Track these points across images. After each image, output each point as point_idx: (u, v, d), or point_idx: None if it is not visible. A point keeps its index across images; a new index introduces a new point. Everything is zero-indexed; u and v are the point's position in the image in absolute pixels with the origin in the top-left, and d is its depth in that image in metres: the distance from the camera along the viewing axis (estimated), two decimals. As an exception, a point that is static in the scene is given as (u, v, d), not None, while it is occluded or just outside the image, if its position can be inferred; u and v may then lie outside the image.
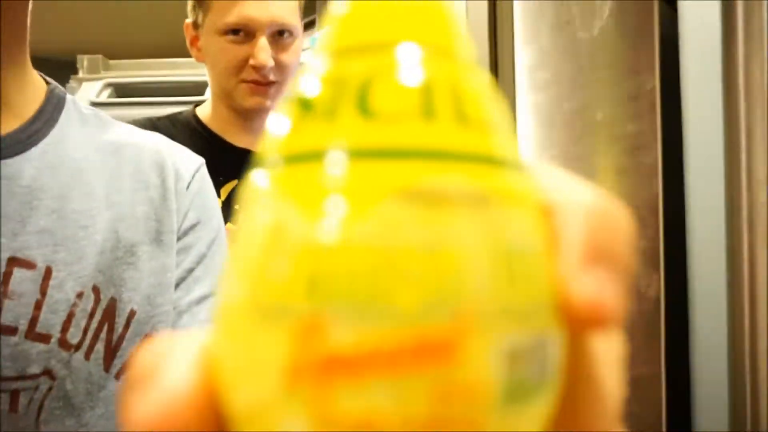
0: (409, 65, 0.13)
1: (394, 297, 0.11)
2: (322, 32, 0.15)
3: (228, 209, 0.94)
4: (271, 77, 0.99)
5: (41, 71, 0.58)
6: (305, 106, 0.14)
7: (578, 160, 0.62)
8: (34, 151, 0.50)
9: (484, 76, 0.15)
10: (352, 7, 0.14)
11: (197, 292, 0.56)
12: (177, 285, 0.55)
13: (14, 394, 0.44)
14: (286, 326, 0.12)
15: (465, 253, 0.12)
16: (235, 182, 0.98)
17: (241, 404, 0.12)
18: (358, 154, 0.12)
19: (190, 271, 0.56)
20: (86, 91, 1.82)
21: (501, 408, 0.12)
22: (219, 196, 0.94)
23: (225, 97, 1.02)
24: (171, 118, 1.05)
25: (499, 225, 0.13)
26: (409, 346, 0.11)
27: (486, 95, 0.14)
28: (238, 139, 1.03)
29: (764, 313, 0.60)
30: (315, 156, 0.13)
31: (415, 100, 0.13)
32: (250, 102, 1.00)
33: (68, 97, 0.57)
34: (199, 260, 0.57)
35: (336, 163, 0.12)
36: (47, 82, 0.56)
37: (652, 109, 0.61)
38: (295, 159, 0.13)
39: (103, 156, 0.54)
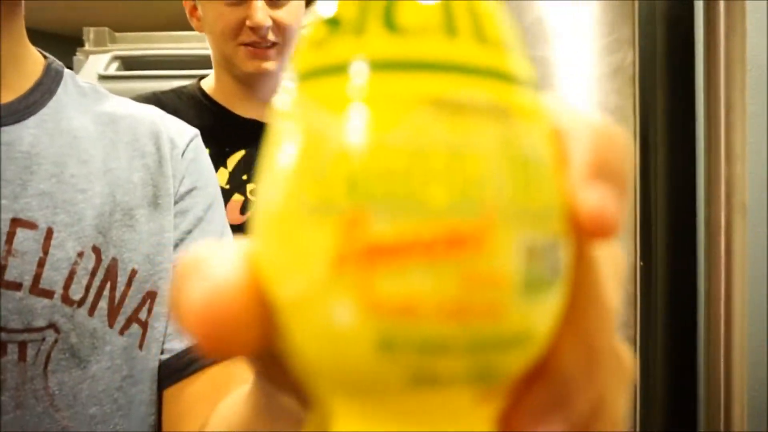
0: None
1: (427, 194, 0.13)
2: None
3: (235, 179, 0.97)
4: (270, 38, 0.97)
5: (48, 45, 0.60)
6: (333, 22, 0.15)
7: None
8: (33, 120, 0.52)
9: (497, 2, 0.16)
10: None
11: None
12: (176, 246, 0.57)
13: (22, 345, 0.47)
14: (331, 221, 0.13)
15: (488, 157, 0.13)
16: (242, 152, 0.99)
17: (289, 294, 0.13)
18: (388, 66, 0.14)
19: (188, 232, 0.58)
20: (93, 64, 1.83)
21: (520, 297, 0.13)
22: (226, 166, 0.96)
23: (226, 64, 1.01)
24: (176, 92, 1.05)
25: (517, 135, 0.14)
26: (440, 236, 0.13)
27: (500, 16, 0.15)
28: (243, 110, 1.03)
29: (741, 282, 0.62)
30: (347, 68, 0.14)
31: (437, 18, 0.14)
32: (251, 66, 0.98)
33: (66, 71, 0.60)
34: (197, 223, 0.59)
35: (368, 75, 0.14)
36: (45, 57, 0.59)
37: (630, 83, 0.63)
38: (327, 71, 0.14)
39: (101, 126, 0.57)
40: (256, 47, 0.97)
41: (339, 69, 0.14)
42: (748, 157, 0.60)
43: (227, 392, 0.53)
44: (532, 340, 0.14)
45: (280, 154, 0.14)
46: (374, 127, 0.13)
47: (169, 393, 0.55)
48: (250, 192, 0.97)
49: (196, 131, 0.64)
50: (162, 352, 0.55)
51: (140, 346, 0.53)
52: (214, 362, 0.55)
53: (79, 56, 1.97)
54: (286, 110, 0.15)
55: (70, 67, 0.63)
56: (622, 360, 0.16)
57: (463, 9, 0.14)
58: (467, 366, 0.13)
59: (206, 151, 0.65)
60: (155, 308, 0.54)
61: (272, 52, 0.98)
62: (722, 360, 0.67)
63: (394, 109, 0.13)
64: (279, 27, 0.97)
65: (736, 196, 0.60)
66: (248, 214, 0.96)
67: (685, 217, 0.73)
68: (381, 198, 0.13)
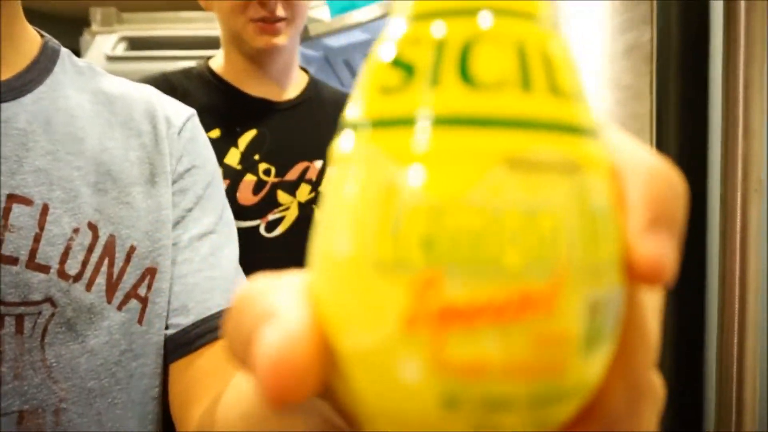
0: (505, 32, 0.14)
1: (502, 256, 0.13)
2: None
3: (247, 159, 0.97)
4: (279, 12, 0.96)
5: (54, 26, 0.61)
6: (406, 69, 0.14)
7: None
8: (29, 97, 0.53)
9: (564, 40, 0.15)
10: None
11: (196, 229, 0.59)
12: (177, 223, 0.58)
13: (19, 318, 0.48)
14: (404, 279, 0.13)
15: (560, 216, 0.13)
16: (253, 132, 0.98)
17: (357, 346, 0.14)
18: (464, 122, 0.14)
19: (189, 210, 0.59)
20: (100, 45, 1.82)
21: (582, 352, 0.13)
22: (237, 146, 0.96)
23: (236, 42, 1.00)
24: (185, 72, 1.04)
25: (585, 190, 0.14)
26: (513, 299, 0.13)
27: (569, 62, 0.15)
28: (253, 89, 1.02)
29: (756, 259, 0.62)
30: (422, 121, 0.14)
31: (513, 69, 0.14)
32: (260, 42, 0.96)
33: (63, 50, 0.60)
34: (197, 201, 0.59)
35: (443, 130, 0.14)
36: (42, 35, 0.59)
37: (647, 62, 0.62)
38: (401, 122, 0.14)
39: (97, 104, 0.57)
40: (265, 22, 0.95)
41: (413, 121, 0.14)
42: (767, 134, 0.60)
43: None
44: (588, 389, 0.14)
45: (347, 203, 0.14)
46: (449, 185, 0.13)
47: (175, 366, 0.56)
48: (263, 172, 0.97)
49: (192, 111, 0.64)
50: (167, 327, 0.56)
51: (140, 321, 0.54)
52: (221, 336, 0.55)
53: (86, 37, 1.96)
54: (353, 156, 0.15)
55: (78, 48, 0.64)
56: (657, 391, 0.16)
57: (538, 58, 0.14)
58: (527, 418, 0.13)
59: (203, 130, 0.65)
60: (155, 284, 0.55)
61: (281, 26, 0.97)
62: (736, 339, 0.67)
63: (470, 168, 0.13)
64: (288, 1, 0.96)
65: (754, 174, 0.60)
66: (261, 194, 0.96)
67: (697, 197, 0.72)
68: (456, 259, 0.13)
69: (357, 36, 1.66)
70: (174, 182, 0.58)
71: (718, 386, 0.68)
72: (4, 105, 0.51)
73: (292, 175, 0.99)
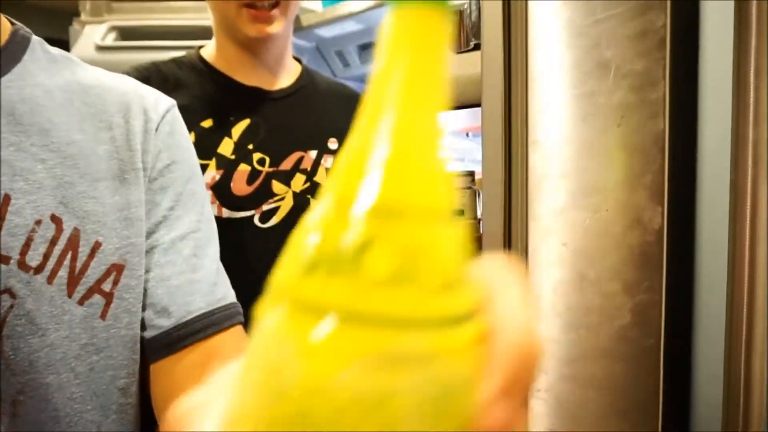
0: (397, 234, 0.17)
1: None
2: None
3: (241, 149, 0.95)
4: None
5: (43, 16, 0.59)
6: (313, 258, 0.18)
7: (586, 98, 0.64)
8: None
9: (461, 230, 0.18)
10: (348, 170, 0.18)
11: (179, 229, 0.58)
12: (159, 223, 0.57)
13: None
14: None
15: (411, 403, 0.16)
16: (247, 121, 0.97)
17: None
18: (348, 315, 0.17)
19: (171, 209, 0.58)
20: (90, 35, 1.79)
21: None
22: (231, 136, 0.95)
23: (228, 30, 0.99)
24: (176, 61, 1.02)
25: (437, 377, 0.17)
26: None
27: (461, 254, 0.18)
28: (246, 78, 1.01)
29: (764, 246, 0.62)
30: (314, 308, 0.17)
31: (402, 267, 0.17)
32: (253, 30, 0.95)
33: (34, 38, 0.59)
34: (177, 199, 0.59)
35: (329, 321, 0.17)
36: (12, 23, 0.58)
37: (661, 47, 0.62)
38: (298, 305, 0.17)
39: (68, 94, 0.56)
40: (258, 9, 0.94)
41: (307, 308, 0.17)
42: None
43: (219, 363, 0.54)
44: None
45: (254, 366, 0.18)
46: (325, 371, 0.16)
47: (156, 367, 0.56)
48: (257, 161, 0.96)
49: (172, 102, 0.63)
50: (148, 328, 0.56)
51: (103, 316, 0.53)
52: (204, 337, 0.56)
53: (75, 27, 1.94)
54: (266, 326, 0.18)
55: (67, 38, 0.62)
56: None
57: (427, 255, 0.17)
58: None
59: (182, 121, 0.64)
60: (123, 280, 0.54)
61: (275, 14, 0.95)
62: (744, 329, 0.67)
63: (342, 359, 0.16)
64: None
65: (763, 160, 0.60)
66: (256, 184, 0.94)
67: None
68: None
69: (349, 26, 1.65)
70: (154, 179, 0.58)
71: (725, 382, 0.69)
72: None
73: (287, 164, 0.98)
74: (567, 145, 0.65)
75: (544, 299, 0.64)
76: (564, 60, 0.68)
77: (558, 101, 0.67)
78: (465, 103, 0.73)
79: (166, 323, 0.56)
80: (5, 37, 0.56)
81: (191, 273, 0.57)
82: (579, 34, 0.63)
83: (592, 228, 0.64)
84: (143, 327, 0.56)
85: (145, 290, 0.56)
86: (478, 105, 0.73)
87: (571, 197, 0.65)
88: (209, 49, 1.05)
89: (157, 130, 0.59)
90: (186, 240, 0.58)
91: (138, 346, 0.56)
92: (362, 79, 1.95)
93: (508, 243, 0.66)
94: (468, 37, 1.05)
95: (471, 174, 0.82)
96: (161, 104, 0.62)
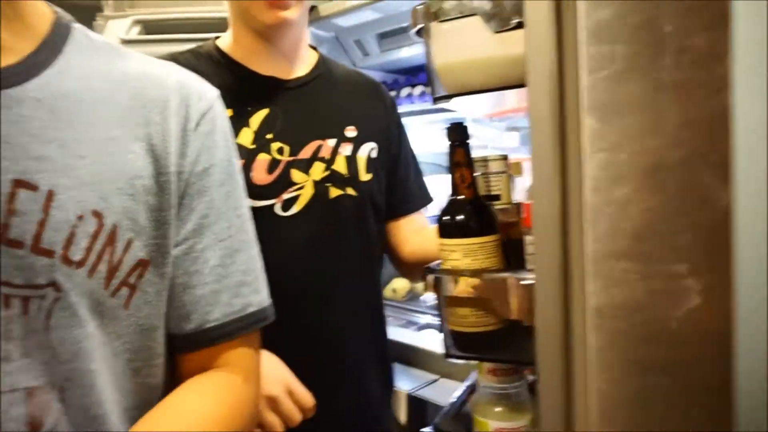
0: None
1: None
2: None
3: (260, 138, 0.97)
4: None
5: (66, 11, 0.59)
6: None
7: (641, 73, 0.62)
8: (36, 81, 0.53)
9: None
10: None
11: (209, 237, 0.60)
12: (191, 231, 0.59)
13: (25, 300, 0.50)
14: None
15: None
16: (265, 111, 0.98)
17: None
18: None
19: (204, 216, 0.60)
20: (114, 29, 1.83)
21: None
22: (249, 126, 0.97)
23: (244, 18, 0.99)
24: (193, 52, 1.03)
25: None
26: None
27: None
28: (263, 67, 1.02)
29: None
30: None
31: None
32: (269, 17, 0.95)
33: (76, 26, 0.59)
34: (211, 205, 0.60)
35: None
36: (55, 12, 0.58)
37: (724, 19, 0.60)
38: None
39: (109, 88, 0.57)
40: None
41: None
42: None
43: (221, 364, 0.62)
44: None
45: None
46: None
47: (188, 357, 0.62)
48: (276, 151, 0.97)
49: (215, 94, 0.64)
50: (170, 325, 0.60)
51: (126, 306, 0.56)
52: (214, 344, 0.61)
53: (99, 21, 1.97)
54: None
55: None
56: None
57: None
58: None
59: (224, 113, 0.64)
60: (147, 275, 0.57)
61: (291, 1, 0.95)
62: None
63: None
64: None
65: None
66: (275, 173, 0.96)
67: None
68: None
69: (368, 15, 1.65)
70: (191, 184, 0.59)
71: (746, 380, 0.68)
72: (9, 91, 0.51)
73: (306, 153, 0.99)
74: (623, 119, 0.64)
75: (607, 281, 0.64)
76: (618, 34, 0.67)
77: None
78: (498, 85, 0.72)
79: (185, 327, 0.60)
80: (47, 27, 0.56)
81: (215, 283, 0.60)
82: (633, 9, 0.62)
83: (655, 208, 0.64)
84: (168, 323, 0.60)
85: (173, 292, 0.59)
86: (507, 87, 0.73)
87: (633, 174, 0.63)
88: (225, 40, 1.05)
89: (196, 129, 0.60)
90: (215, 249, 0.60)
91: (155, 334, 0.59)
92: (382, 68, 1.95)
93: (563, 223, 0.66)
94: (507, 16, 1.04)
95: (504, 158, 0.82)
96: (204, 99, 0.62)
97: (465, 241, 0.75)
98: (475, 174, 0.79)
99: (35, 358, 0.50)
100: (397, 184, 1.13)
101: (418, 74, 1.97)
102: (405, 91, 2.03)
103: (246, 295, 0.62)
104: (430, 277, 0.78)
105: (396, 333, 1.58)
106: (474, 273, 0.74)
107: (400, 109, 1.24)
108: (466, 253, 0.75)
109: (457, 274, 0.75)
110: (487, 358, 0.79)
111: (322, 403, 0.88)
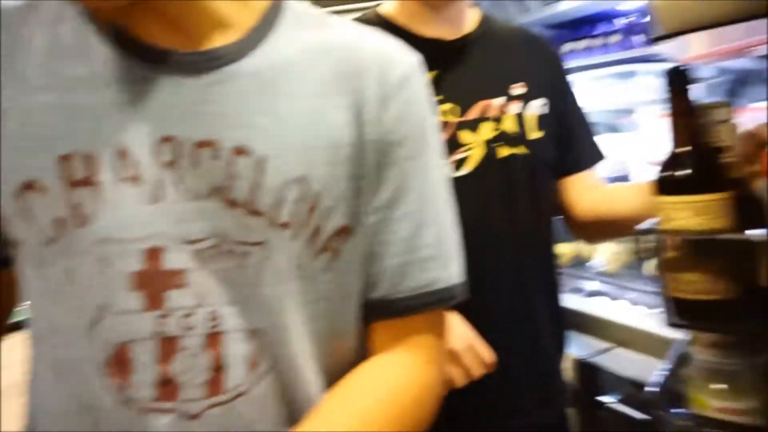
0: None
1: None
2: None
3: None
4: None
5: None
6: None
7: None
8: (252, 57, 0.56)
9: None
10: None
11: (401, 209, 0.60)
12: (385, 201, 0.59)
13: (240, 255, 0.54)
14: None
15: None
16: (433, 73, 0.96)
17: None
18: None
19: (398, 187, 0.60)
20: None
21: None
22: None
23: None
24: (357, 21, 1.05)
25: None
26: None
27: None
28: (427, 30, 1.01)
29: None
30: None
31: None
32: None
33: (287, 2, 0.61)
34: (405, 176, 0.60)
35: None
36: None
37: None
38: None
39: (314, 59, 0.58)
40: None
41: None
42: None
43: (408, 340, 0.62)
44: None
45: None
46: None
47: (374, 326, 0.63)
48: (446, 112, 0.97)
49: (415, 60, 0.63)
50: (375, 291, 0.61)
51: (326, 270, 0.58)
52: (399, 317, 0.61)
53: None
54: None
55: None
56: None
57: None
58: None
59: (424, 80, 0.63)
60: (348, 242, 0.58)
61: None
62: None
63: None
64: None
65: None
66: (445, 134, 0.96)
67: None
68: None
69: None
70: (386, 154, 0.59)
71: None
72: (233, 66, 0.55)
73: (473, 113, 0.98)
74: None
75: None
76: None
77: None
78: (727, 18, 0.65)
79: (372, 295, 0.61)
80: (265, 4, 0.59)
81: (404, 255, 0.60)
82: None
83: None
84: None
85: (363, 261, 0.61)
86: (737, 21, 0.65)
87: None
88: (386, 7, 1.06)
89: (395, 97, 0.59)
90: (406, 221, 0.60)
91: (351, 301, 0.61)
92: (542, 23, 1.87)
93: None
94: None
95: (727, 104, 0.74)
96: (403, 66, 0.61)
97: (696, 198, 0.68)
98: (698, 123, 0.72)
99: (247, 307, 0.55)
100: (567, 141, 1.08)
101: (581, 28, 1.86)
102: (567, 47, 1.92)
103: (434, 270, 0.61)
104: (643, 240, 0.72)
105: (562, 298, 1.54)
106: (712, 233, 0.66)
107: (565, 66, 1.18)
108: (697, 212, 0.68)
109: (689, 235, 0.68)
110: (720, 329, 0.71)
111: (498, 360, 0.89)
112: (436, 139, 0.64)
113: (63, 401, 0.56)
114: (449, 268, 0.62)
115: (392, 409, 0.58)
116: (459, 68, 1.00)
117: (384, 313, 0.61)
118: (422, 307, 0.61)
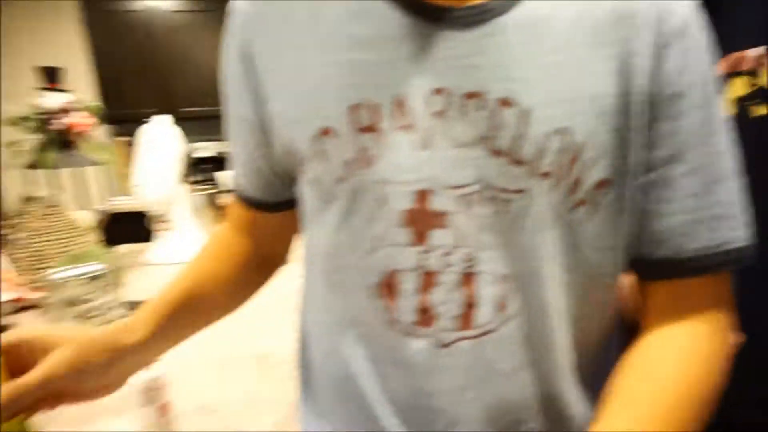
0: None
1: None
2: None
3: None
4: None
5: None
6: None
7: None
8: (518, 9, 0.57)
9: None
10: None
11: (684, 165, 0.58)
12: (664, 157, 0.58)
13: (503, 202, 0.57)
14: None
15: None
16: None
17: None
18: None
19: (679, 142, 0.58)
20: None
21: None
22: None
23: None
24: None
25: None
26: None
27: None
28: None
29: None
30: None
31: None
32: None
33: None
34: (686, 131, 0.58)
35: None
36: None
37: None
38: None
39: (578, 9, 0.58)
40: None
41: None
42: None
43: (689, 306, 0.61)
44: None
45: None
46: None
47: (653, 287, 0.63)
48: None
49: (691, 7, 0.59)
50: (632, 249, 0.61)
51: (584, 222, 0.59)
52: (678, 278, 0.60)
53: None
54: None
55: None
56: None
57: None
58: None
59: (702, 29, 0.60)
60: (608, 195, 0.59)
61: None
62: None
63: None
64: None
65: None
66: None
67: None
68: None
69: None
70: (663, 108, 0.58)
71: None
72: (500, 19, 0.57)
73: (722, 68, 0.90)
74: None
75: None
76: None
77: None
78: None
79: (656, 253, 0.61)
80: None
81: (692, 213, 0.59)
82: None
83: None
84: (637, 248, 0.62)
85: (643, 219, 0.60)
86: None
87: None
88: None
89: (671, 47, 0.57)
90: (690, 178, 0.58)
91: (610, 254, 0.62)
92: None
93: None
94: None
95: None
96: (679, 14, 0.58)
97: None
98: None
99: (505, 252, 0.58)
100: None
101: None
102: None
103: (723, 229, 0.59)
104: None
105: None
106: None
107: None
108: None
109: None
110: None
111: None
112: (719, 90, 0.61)
113: (336, 314, 0.65)
114: (739, 228, 0.60)
115: (687, 392, 0.57)
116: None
117: (668, 273, 0.61)
118: (710, 268, 0.59)
